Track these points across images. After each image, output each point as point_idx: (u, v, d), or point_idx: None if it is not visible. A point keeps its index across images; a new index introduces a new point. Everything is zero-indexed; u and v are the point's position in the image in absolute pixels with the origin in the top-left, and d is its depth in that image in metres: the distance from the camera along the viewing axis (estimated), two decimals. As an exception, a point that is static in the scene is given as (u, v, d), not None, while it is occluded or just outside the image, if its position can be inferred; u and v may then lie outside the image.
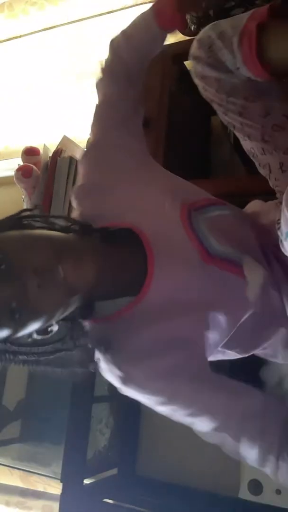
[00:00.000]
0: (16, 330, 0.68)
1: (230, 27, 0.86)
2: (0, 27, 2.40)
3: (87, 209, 0.90)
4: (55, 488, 1.85)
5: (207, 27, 0.90)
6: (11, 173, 1.75)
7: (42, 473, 1.83)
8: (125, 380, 0.77)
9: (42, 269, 0.68)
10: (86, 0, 2.21)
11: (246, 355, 0.96)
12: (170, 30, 0.97)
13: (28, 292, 0.67)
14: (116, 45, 0.97)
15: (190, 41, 0.91)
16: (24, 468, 1.87)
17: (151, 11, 0.93)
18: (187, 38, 1.51)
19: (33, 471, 1.86)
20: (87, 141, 1.00)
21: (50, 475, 1.81)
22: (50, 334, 0.75)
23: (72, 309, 0.74)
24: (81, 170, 0.96)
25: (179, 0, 0.91)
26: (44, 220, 0.82)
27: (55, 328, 0.75)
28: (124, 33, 0.97)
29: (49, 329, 0.74)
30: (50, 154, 1.71)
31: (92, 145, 0.97)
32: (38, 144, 1.81)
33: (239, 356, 0.95)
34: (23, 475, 1.96)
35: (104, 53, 0.99)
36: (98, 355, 0.79)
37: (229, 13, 1.31)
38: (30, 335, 0.72)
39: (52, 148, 1.73)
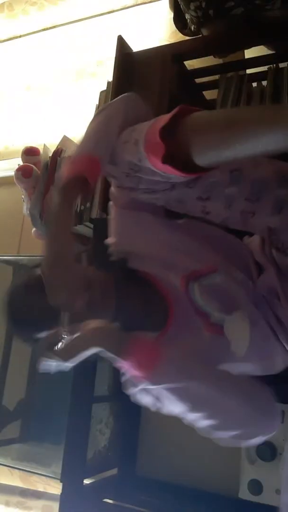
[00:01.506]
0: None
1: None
2: (0, 27, 2.40)
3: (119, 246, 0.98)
4: (55, 488, 1.85)
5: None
6: (11, 173, 1.75)
7: (42, 473, 1.83)
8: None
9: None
10: (86, 0, 2.21)
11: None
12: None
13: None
14: None
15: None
16: (24, 468, 1.87)
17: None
18: (187, 38, 1.52)
19: (33, 471, 1.86)
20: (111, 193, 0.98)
21: (50, 475, 1.81)
22: None
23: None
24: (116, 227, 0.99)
25: None
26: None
27: None
28: None
29: None
30: (50, 154, 1.71)
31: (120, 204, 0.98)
32: (38, 144, 1.81)
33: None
34: (23, 475, 1.96)
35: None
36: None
37: (229, 13, 1.31)
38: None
39: (52, 148, 1.73)
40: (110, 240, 0.99)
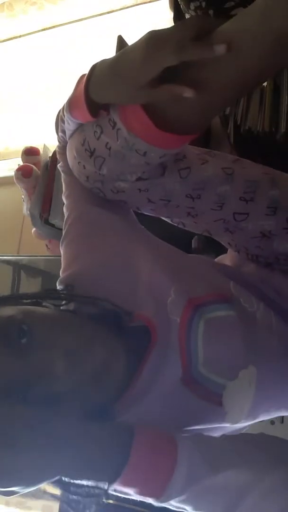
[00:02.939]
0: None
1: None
2: (0, 27, 2.40)
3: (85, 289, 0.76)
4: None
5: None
6: (11, 173, 1.76)
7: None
8: None
9: (72, 352, 0.62)
10: (86, 0, 2.21)
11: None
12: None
13: (54, 372, 0.60)
14: None
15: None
16: (24, 468, 1.87)
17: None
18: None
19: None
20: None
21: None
22: None
23: None
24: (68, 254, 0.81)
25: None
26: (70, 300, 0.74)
27: None
28: None
29: None
30: (50, 154, 1.71)
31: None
32: (38, 144, 1.81)
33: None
34: (23, 475, 1.96)
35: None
36: None
37: (229, 13, 1.31)
38: None
39: (52, 148, 1.73)
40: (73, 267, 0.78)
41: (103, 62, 0.67)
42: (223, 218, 0.80)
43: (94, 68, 0.68)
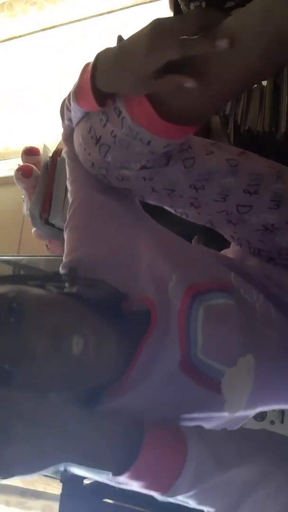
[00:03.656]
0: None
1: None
2: (0, 27, 2.40)
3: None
4: (55, 488, 1.85)
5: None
6: (11, 173, 1.76)
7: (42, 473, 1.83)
8: None
9: (56, 334, 0.61)
10: (86, 0, 2.21)
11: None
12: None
13: (34, 353, 0.60)
14: None
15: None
16: (24, 468, 1.87)
17: None
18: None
19: (33, 471, 1.86)
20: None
21: (50, 475, 1.80)
22: None
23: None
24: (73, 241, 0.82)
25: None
26: (73, 284, 0.74)
27: None
28: None
29: None
30: (50, 154, 1.71)
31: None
32: (38, 144, 1.81)
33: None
34: (23, 475, 1.96)
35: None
36: None
37: (229, 13, 1.31)
38: None
39: (52, 148, 1.73)
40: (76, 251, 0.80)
41: (107, 51, 0.68)
42: (226, 210, 0.80)
43: (98, 57, 0.68)
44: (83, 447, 0.57)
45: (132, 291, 0.72)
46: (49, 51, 2.32)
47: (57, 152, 1.69)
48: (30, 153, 1.75)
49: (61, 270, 0.78)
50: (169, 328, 0.70)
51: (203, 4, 1.31)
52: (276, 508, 0.58)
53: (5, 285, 0.67)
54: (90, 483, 1.56)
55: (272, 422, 1.34)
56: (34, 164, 1.71)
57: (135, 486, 0.59)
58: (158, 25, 0.60)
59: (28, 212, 1.70)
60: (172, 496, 0.59)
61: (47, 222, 1.65)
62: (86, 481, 1.51)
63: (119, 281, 0.73)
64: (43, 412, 0.56)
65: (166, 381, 0.68)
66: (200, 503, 0.60)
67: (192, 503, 0.60)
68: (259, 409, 0.75)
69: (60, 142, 1.74)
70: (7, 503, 1.95)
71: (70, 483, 1.41)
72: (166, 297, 0.71)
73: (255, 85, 1.42)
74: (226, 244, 0.94)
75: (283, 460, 0.61)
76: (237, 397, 0.70)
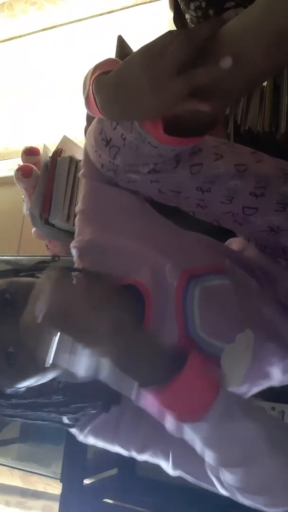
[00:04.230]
0: (12, 378, 0.67)
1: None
2: (0, 27, 2.40)
3: (88, 263, 0.82)
4: (55, 488, 1.85)
5: None
6: (11, 173, 1.75)
7: (42, 473, 1.83)
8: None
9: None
10: (86, 0, 2.21)
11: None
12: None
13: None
14: None
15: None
16: (24, 468, 1.87)
17: None
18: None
19: (33, 471, 1.86)
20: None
21: (50, 475, 1.81)
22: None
23: None
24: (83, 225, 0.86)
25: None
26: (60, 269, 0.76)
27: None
28: None
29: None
30: (50, 154, 1.71)
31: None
32: (38, 144, 1.81)
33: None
34: (23, 475, 1.96)
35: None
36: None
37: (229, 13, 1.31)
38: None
39: (52, 148, 1.73)
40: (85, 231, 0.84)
41: (103, 84, 0.67)
42: (232, 211, 0.81)
43: (95, 90, 0.68)
44: (131, 349, 0.61)
45: (128, 275, 0.76)
46: (49, 51, 2.32)
47: (57, 152, 1.69)
48: (30, 153, 1.75)
49: (72, 249, 0.85)
50: (165, 308, 0.73)
51: (203, 4, 1.31)
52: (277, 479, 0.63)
53: None
54: (90, 483, 1.56)
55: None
56: (34, 164, 1.71)
57: (153, 406, 0.62)
58: (151, 57, 0.60)
59: (28, 212, 1.70)
60: (193, 426, 0.61)
61: (47, 222, 1.65)
62: (86, 481, 1.51)
63: (116, 266, 0.78)
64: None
65: None
66: (206, 445, 0.62)
67: (198, 447, 0.63)
68: (260, 385, 0.79)
69: (60, 142, 1.74)
70: (7, 503, 1.95)
71: (70, 483, 1.41)
72: (162, 280, 0.75)
73: (255, 85, 1.42)
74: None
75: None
76: (236, 371, 0.74)
